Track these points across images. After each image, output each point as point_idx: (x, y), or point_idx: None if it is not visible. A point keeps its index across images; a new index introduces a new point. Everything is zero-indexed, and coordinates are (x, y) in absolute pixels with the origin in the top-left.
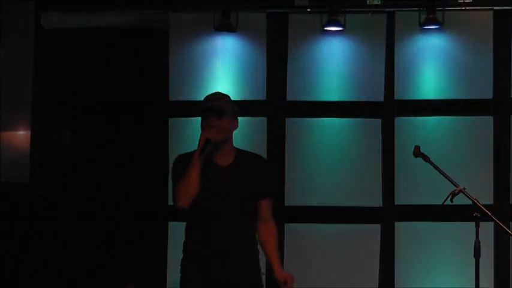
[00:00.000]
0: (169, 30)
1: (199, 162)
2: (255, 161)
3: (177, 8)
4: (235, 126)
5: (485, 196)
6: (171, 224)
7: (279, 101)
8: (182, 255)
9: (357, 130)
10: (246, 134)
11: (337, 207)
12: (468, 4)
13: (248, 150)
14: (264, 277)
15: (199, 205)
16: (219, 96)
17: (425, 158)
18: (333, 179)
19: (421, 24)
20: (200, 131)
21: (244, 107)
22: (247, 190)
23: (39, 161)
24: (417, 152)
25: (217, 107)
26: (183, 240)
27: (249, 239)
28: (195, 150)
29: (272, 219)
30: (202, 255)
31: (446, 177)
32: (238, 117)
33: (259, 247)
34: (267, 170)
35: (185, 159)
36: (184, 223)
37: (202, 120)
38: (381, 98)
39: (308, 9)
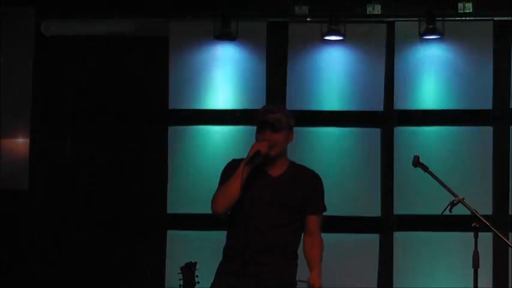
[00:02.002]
0: (169, 38)
1: (244, 172)
2: (307, 175)
3: (177, 16)
4: (291, 139)
5: (484, 206)
6: (169, 232)
7: None
8: (221, 259)
9: (356, 140)
10: (245, 142)
11: (336, 216)
12: (468, 14)
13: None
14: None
15: (244, 212)
16: (276, 108)
17: (425, 168)
18: (332, 188)
19: (421, 35)
20: (249, 141)
21: (244, 116)
22: (296, 202)
23: (39, 168)
24: (416, 162)
25: (273, 121)
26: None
27: (287, 252)
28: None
29: (319, 234)
30: (239, 262)
31: (445, 187)
32: (237, 126)
33: (299, 261)
34: (319, 185)
35: (236, 164)
36: (184, 231)
37: (257, 131)
38: (381, 108)
39: (308, 19)
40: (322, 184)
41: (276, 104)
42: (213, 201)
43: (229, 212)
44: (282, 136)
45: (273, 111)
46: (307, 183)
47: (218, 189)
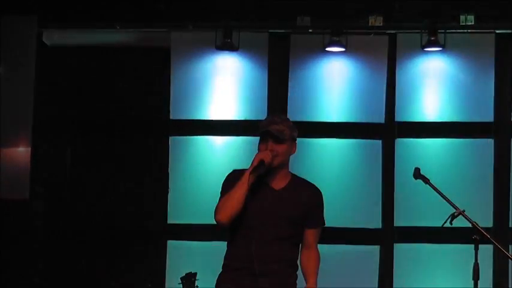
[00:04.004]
0: (171, 48)
1: (248, 181)
2: (308, 189)
3: (178, 26)
4: (293, 151)
5: (484, 219)
6: (170, 242)
7: None
8: (221, 270)
9: (357, 151)
10: (246, 153)
11: (337, 228)
12: (470, 27)
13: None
14: None
15: (247, 224)
16: (279, 120)
17: (425, 180)
18: (333, 199)
19: (423, 46)
20: (250, 151)
21: (245, 127)
22: (298, 216)
23: (40, 177)
24: (417, 174)
25: (275, 132)
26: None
27: (289, 263)
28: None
29: (316, 247)
30: (239, 273)
31: (446, 199)
32: (238, 137)
33: (298, 272)
34: (319, 200)
35: (237, 175)
36: (184, 242)
37: (260, 141)
38: (382, 120)
39: (310, 30)
40: (322, 198)
41: (279, 114)
42: (217, 210)
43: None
44: (285, 147)
45: (276, 122)
46: (309, 198)
47: (221, 199)
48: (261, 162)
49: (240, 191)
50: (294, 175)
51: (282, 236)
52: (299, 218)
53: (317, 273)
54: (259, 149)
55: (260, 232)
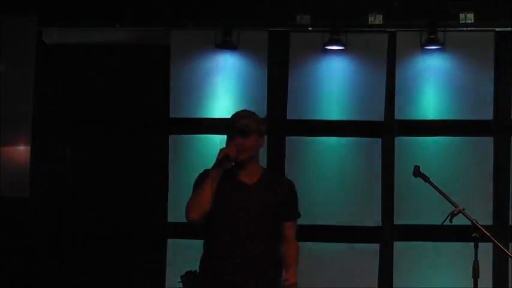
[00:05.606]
0: (171, 47)
1: (213, 178)
2: (280, 182)
3: (178, 25)
4: (261, 145)
5: (484, 217)
6: (170, 240)
7: (279, 119)
8: (198, 270)
9: (357, 149)
10: None
11: (336, 226)
12: (470, 25)
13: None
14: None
15: (222, 221)
16: (245, 114)
17: (425, 178)
18: (333, 198)
19: (422, 45)
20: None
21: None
22: (272, 210)
23: (39, 176)
24: (417, 172)
25: (241, 126)
26: (183, 256)
27: (268, 260)
28: None
29: (295, 240)
30: (217, 273)
31: (446, 197)
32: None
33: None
34: (292, 192)
35: (207, 174)
36: (184, 240)
37: (227, 138)
38: (381, 118)
39: (309, 28)
40: (296, 191)
41: (246, 109)
42: (187, 209)
43: (203, 221)
44: (251, 141)
45: (242, 117)
46: (282, 191)
47: (190, 197)
48: (226, 157)
49: (207, 188)
50: (266, 169)
51: (258, 231)
52: (274, 212)
53: (297, 264)
54: (227, 145)
55: (236, 229)
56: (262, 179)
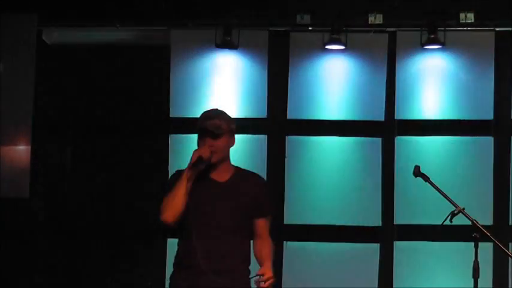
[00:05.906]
0: (171, 46)
1: (188, 179)
2: (252, 180)
3: (178, 24)
4: (232, 144)
5: (484, 217)
6: (170, 240)
7: (279, 119)
8: (172, 270)
9: (357, 149)
10: (246, 151)
11: (337, 226)
12: (470, 25)
13: (247, 167)
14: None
15: (192, 220)
16: (214, 114)
17: (425, 178)
18: (333, 197)
19: (423, 44)
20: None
21: (245, 125)
22: (243, 208)
23: (40, 176)
24: (417, 172)
25: (212, 127)
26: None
27: (242, 258)
28: None
29: (269, 237)
30: (191, 271)
31: (446, 197)
32: (239, 134)
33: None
34: (265, 189)
35: (180, 175)
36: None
37: (198, 138)
38: (382, 117)
39: (310, 28)
40: (268, 187)
41: (216, 108)
42: (161, 211)
43: (178, 221)
44: (223, 142)
45: (212, 117)
46: (254, 188)
47: (163, 199)
48: (199, 159)
49: (180, 190)
50: (237, 167)
51: (231, 229)
52: (246, 209)
53: (271, 258)
54: (198, 146)
55: (209, 228)
56: (234, 176)
